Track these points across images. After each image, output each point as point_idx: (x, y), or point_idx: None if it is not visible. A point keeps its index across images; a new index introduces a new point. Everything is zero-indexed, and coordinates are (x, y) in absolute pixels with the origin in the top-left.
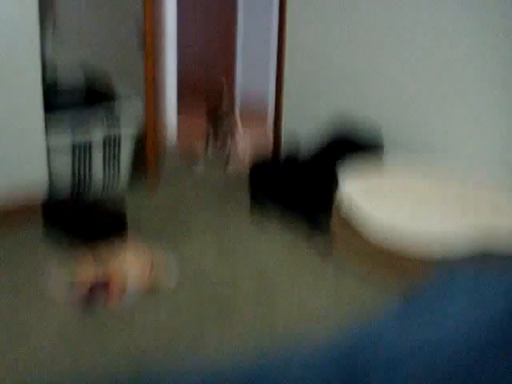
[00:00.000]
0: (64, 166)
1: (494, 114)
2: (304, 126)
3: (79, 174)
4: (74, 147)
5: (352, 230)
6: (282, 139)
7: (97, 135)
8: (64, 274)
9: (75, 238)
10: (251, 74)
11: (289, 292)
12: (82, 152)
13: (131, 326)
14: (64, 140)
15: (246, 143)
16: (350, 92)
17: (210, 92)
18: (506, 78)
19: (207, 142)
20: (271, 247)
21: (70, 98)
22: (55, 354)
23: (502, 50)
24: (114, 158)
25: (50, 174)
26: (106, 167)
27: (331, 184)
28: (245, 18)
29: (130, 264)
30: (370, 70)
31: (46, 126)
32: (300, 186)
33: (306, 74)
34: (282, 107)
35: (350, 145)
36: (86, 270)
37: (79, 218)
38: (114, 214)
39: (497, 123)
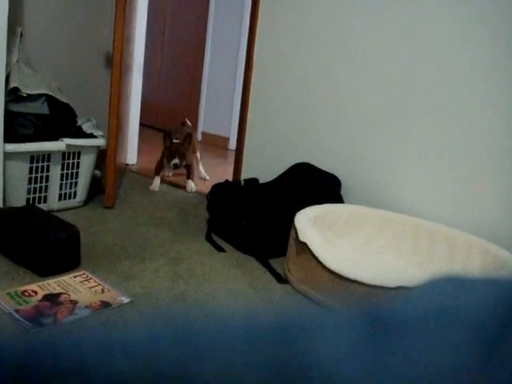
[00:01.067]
0: (22, 184)
1: (457, 175)
2: (264, 169)
3: (37, 195)
4: (32, 169)
5: (307, 256)
6: (242, 175)
7: (57, 160)
8: (9, 292)
9: (27, 263)
10: (214, 116)
11: None
12: (41, 172)
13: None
14: (23, 162)
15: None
16: (310, 142)
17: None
18: (467, 132)
19: (162, 163)
20: (227, 276)
21: (33, 130)
22: None
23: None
24: (74, 180)
25: (6, 184)
26: (65, 189)
27: (290, 209)
28: (211, 59)
29: (82, 290)
30: (330, 122)
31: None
32: (259, 207)
33: (269, 120)
34: (244, 148)
35: (308, 176)
36: (35, 293)
37: (32, 244)
38: (70, 240)
39: (458, 180)
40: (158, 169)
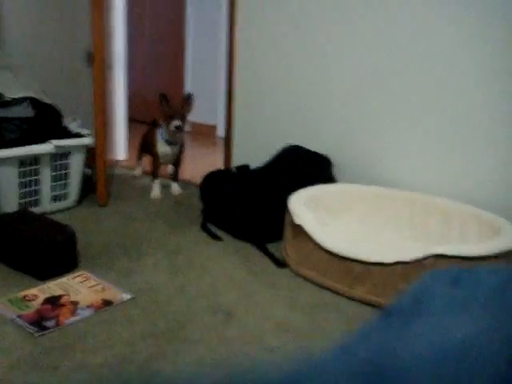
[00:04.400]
0: (13, 189)
1: (448, 146)
2: (255, 154)
3: (28, 198)
4: (22, 173)
5: (303, 238)
6: (233, 163)
7: (46, 162)
8: (10, 298)
9: (25, 268)
10: (201, 104)
11: (245, 306)
12: (31, 176)
13: (84, 343)
14: (12, 167)
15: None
16: (300, 124)
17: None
18: (458, 111)
19: (140, 155)
20: (225, 264)
21: (19, 134)
22: (8, 378)
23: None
24: (64, 180)
25: None
26: (56, 190)
27: (283, 193)
28: (193, 47)
29: (82, 290)
30: (322, 103)
31: None
32: (252, 194)
33: (256, 104)
34: (233, 135)
35: (302, 163)
36: (36, 297)
37: (29, 249)
38: (66, 242)
39: (450, 154)
40: (155, 169)
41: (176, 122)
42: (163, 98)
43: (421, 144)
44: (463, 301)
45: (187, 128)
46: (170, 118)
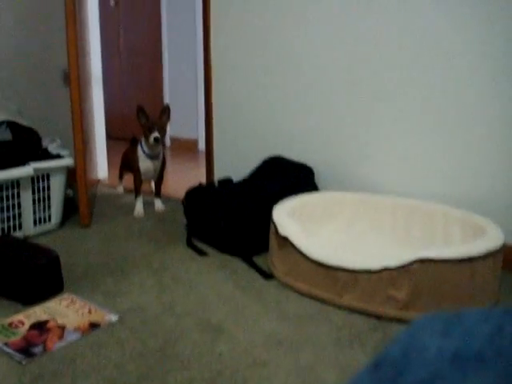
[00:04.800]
0: None
1: (431, 150)
2: (237, 167)
3: (11, 223)
4: (2, 197)
5: (289, 249)
6: (215, 176)
7: (27, 185)
8: None
9: (9, 294)
10: (180, 119)
11: (234, 321)
12: (12, 200)
13: (73, 368)
14: None
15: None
16: (279, 134)
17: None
18: (443, 112)
19: (122, 172)
20: (213, 279)
21: None
22: None
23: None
24: (46, 203)
25: None
26: (38, 213)
27: (267, 205)
28: (170, 62)
29: (69, 313)
30: (302, 112)
31: None
32: (235, 207)
33: (235, 117)
34: (213, 148)
35: (284, 174)
36: (22, 323)
37: (12, 274)
38: (50, 266)
39: (436, 162)
40: (137, 186)
41: (155, 134)
42: (140, 110)
43: (402, 149)
44: (454, 352)
45: (167, 142)
46: (148, 130)
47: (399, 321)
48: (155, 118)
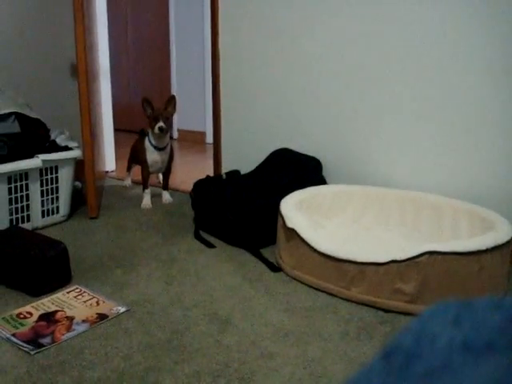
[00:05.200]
0: (3, 206)
1: (439, 143)
2: (244, 159)
3: (19, 214)
4: (11, 189)
5: (296, 241)
6: (222, 169)
7: (35, 177)
8: (4, 317)
9: (18, 286)
10: (188, 111)
11: (241, 313)
12: (21, 192)
13: (81, 359)
14: (1, 183)
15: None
16: (288, 126)
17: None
18: (449, 108)
19: (130, 164)
20: (220, 272)
21: (4, 147)
22: None
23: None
24: (55, 194)
25: None
26: (47, 204)
27: (274, 197)
28: (178, 55)
29: (77, 304)
30: (309, 105)
31: None
32: (243, 199)
33: (243, 109)
34: (221, 141)
35: (291, 167)
36: (30, 314)
37: (20, 266)
38: (58, 258)
39: (440, 155)
40: (145, 178)
41: (160, 124)
42: (146, 101)
43: (410, 142)
44: (465, 340)
45: (174, 134)
46: (153, 120)
47: (407, 314)
48: (160, 108)
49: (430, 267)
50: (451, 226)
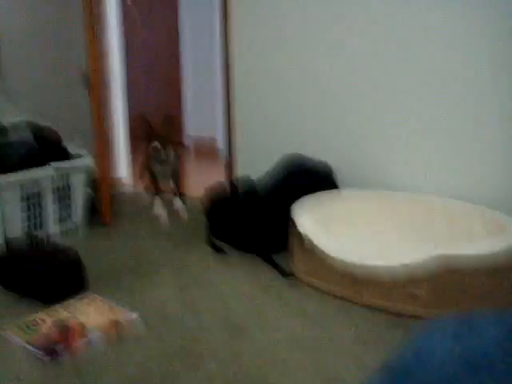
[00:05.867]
0: (16, 214)
1: (450, 147)
2: (258, 166)
3: (32, 222)
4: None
5: (309, 247)
6: (237, 177)
7: (47, 185)
8: (19, 324)
9: (31, 293)
10: (200, 118)
11: (254, 319)
12: (33, 199)
13: (95, 366)
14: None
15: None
16: (300, 132)
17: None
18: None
19: (142, 174)
20: (232, 278)
21: (19, 158)
22: None
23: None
24: (67, 202)
25: (1, 216)
26: (59, 212)
27: (287, 212)
28: (188, 62)
29: (90, 311)
30: (320, 110)
31: None
32: (258, 216)
33: (256, 115)
34: (233, 147)
35: (303, 173)
36: (44, 322)
37: (34, 273)
38: (70, 265)
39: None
40: (154, 186)
41: (154, 144)
42: (143, 121)
43: (422, 146)
44: (464, 354)
45: (187, 141)
46: (149, 140)
47: (420, 318)
48: (158, 127)
49: (443, 271)
50: (464, 229)
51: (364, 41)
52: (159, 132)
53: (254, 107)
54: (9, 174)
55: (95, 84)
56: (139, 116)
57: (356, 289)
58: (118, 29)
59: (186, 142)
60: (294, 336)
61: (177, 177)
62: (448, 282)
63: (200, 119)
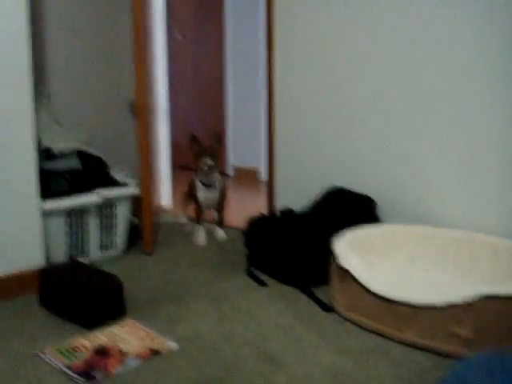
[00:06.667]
0: (60, 239)
1: (495, 181)
2: (299, 197)
3: (75, 247)
4: (68, 223)
5: (350, 281)
6: (278, 208)
7: (92, 211)
8: (59, 348)
9: (73, 317)
10: (243, 148)
11: (292, 353)
12: (78, 225)
13: None
14: (59, 217)
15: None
16: (341, 165)
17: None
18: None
19: (185, 202)
20: (271, 310)
21: (66, 185)
22: None
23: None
24: (110, 229)
25: (46, 241)
26: (103, 238)
27: (328, 244)
28: (233, 91)
29: (129, 338)
30: (358, 142)
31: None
32: (299, 248)
33: (297, 147)
34: (275, 178)
35: (345, 205)
36: (84, 346)
37: (77, 298)
38: (113, 291)
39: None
40: (198, 214)
41: (206, 160)
42: (193, 138)
43: (465, 180)
44: None
45: (229, 171)
46: (199, 156)
47: (462, 358)
48: (207, 145)
49: (487, 311)
50: (509, 268)
51: (412, 76)
52: (210, 149)
53: (297, 139)
54: (55, 199)
55: (141, 111)
56: (190, 135)
57: (397, 326)
58: (166, 59)
59: (229, 171)
60: (333, 372)
61: (221, 206)
62: (492, 322)
63: (242, 149)
